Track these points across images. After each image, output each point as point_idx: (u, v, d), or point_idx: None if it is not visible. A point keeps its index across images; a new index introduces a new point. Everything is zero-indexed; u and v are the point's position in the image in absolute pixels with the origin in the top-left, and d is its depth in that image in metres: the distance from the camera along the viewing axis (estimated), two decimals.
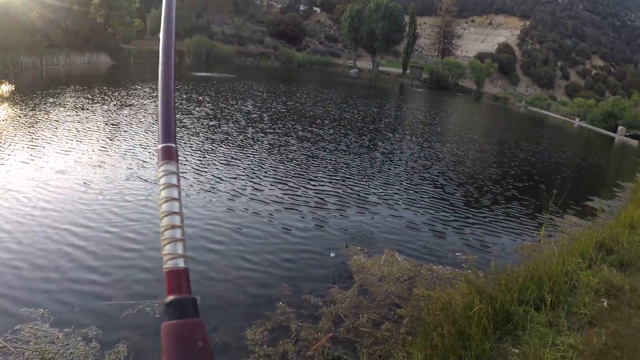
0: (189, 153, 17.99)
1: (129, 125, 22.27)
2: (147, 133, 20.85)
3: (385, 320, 8.11)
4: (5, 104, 25.09)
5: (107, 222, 11.29)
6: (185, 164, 16.31)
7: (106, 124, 21.53)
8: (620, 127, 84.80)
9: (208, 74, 50.32)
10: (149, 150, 17.85)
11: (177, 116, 23.28)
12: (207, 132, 22.46)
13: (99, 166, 15.27)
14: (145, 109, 26.72)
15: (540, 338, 6.61)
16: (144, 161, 16.38)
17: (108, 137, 19.42)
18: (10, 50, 43.22)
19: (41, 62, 47.37)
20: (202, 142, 20.16)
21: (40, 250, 9.79)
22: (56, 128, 19.83)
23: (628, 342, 6.77)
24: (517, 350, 6.45)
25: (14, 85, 31.55)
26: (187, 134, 21.30)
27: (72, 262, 9.33)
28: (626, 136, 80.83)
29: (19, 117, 21.64)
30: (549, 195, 15.22)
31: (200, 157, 17.68)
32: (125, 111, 25.38)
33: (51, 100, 26.90)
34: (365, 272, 9.84)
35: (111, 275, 9.00)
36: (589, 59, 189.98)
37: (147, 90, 33.91)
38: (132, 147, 18.16)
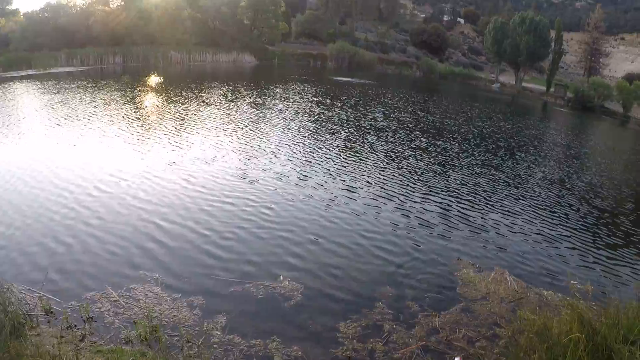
0: (308, 152, 18.47)
1: (262, 124, 23.14)
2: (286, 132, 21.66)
3: (481, 338, 7.92)
4: (155, 93, 26.85)
5: (238, 204, 12.29)
6: (302, 162, 16.89)
7: (242, 121, 22.46)
8: None
9: (348, 79, 50.81)
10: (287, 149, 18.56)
11: (302, 116, 23.87)
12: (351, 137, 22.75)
13: (237, 154, 16.33)
14: (285, 109, 27.63)
15: None
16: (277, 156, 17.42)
17: (246, 133, 20.32)
18: (162, 46, 45.90)
19: (189, 58, 49.92)
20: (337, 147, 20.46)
21: (170, 222, 10.85)
22: (194, 119, 21.00)
23: None
24: None
25: (163, 77, 33.55)
26: (311, 134, 21.83)
27: (195, 236, 10.21)
28: None
29: (165, 105, 23.10)
30: None
31: (326, 160, 17.96)
32: (264, 109, 26.26)
33: (196, 92, 28.45)
34: (471, 287, 9.64)
35: (228, 253, 9.67)
36: None
37: (290, 92, 34.84)
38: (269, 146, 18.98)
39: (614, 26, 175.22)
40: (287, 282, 8.78)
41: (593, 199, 18.78)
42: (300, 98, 31.83)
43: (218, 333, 7.04)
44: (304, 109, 28.06)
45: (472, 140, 26.60)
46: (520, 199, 16.71)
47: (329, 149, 19.14)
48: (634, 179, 25.79)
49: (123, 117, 19.77)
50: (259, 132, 20.33)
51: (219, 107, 25.05)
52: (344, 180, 15.35)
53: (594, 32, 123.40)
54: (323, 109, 29.13)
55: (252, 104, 26.97)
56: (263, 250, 9.97)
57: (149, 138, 17.14)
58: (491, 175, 19.36)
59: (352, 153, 19.12)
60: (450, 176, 18.04)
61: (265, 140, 19.11)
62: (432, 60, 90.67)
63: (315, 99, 32.90)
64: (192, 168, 14.62)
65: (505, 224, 13.88)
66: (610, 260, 12.67)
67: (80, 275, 8.31)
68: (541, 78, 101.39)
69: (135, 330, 6.77)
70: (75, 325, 6.79)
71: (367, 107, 32.40)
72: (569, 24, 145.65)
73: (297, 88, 36.60)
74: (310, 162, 17.00)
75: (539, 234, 13.66)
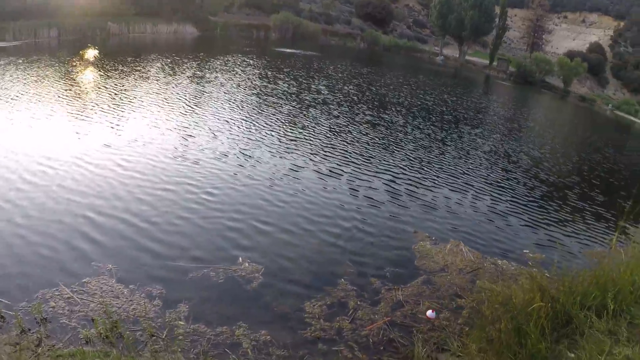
0: (249, 129, 18.16)
1: (204, 96, 22.91)
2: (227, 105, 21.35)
3: (444, 310, 8.18)
4: (91, 68, 26.03)
5: (184, 184, 11.92)
6: (244, 140, 16.57)
7: (181, 97, 21.95)
8: None
9: (292, 51, 50.19)
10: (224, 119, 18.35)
11: (243, 90, 23.58)
12: (295, 109, 22.64)
13: (175, 133, 16.04)
14: (226, 82, 27.22)
15: (597, 345, 6.46)
16: (217, 131, 17.15)
17: (185, 106, 20.10)
18: (99, 17, 44.34)
19: (128, 29, 48.33)
20: (277, 120, 20.34)
21: (120, 205, 10.42)
22: (131, 96, 20.47)
23: None
24: (572, 355, 6.35)
25: (100, 51, 32.50)
26: (252, 109, 21.41)
27: (142, 223, 9.80)
28: None
29: (101, 81, 22.45)
30: (626, 204, 14.68)
31: (267, 134, 17.88)
32: (204, 83, 25.81)
33: (133, 66, 27.71)
34: (429, 260, 9.90)
35: (179, 239, 9.41)
36: None
37: (232, 65, 34.28)
38: (207, 118, 18.82)
39: (557, 5, 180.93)
40: (246, 264, 8.71)
41: (539, 172, 19.39)
42: (242, 71, 31.19)
43: (182, 323, 6.92)
44: (246, 82, 27.46)
45: (417, 113, 26.88)
46: (467, 173, 17.13)
47: (272, 125, 18.89)
48: (576, 152, 26.66)
49: (55, 96, 18.60)
50: (198, 108, 19.67)
51: (157, 81, 24.05)
52: (290, 158, 15.22)
53: (537, 10, 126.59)
54: (265, 82, 28.70)
55: (192, 78, 26.17)
56: (216, 234, 9.81)
57: (82, 119, 15.88)
58: (438, 148, 19.72)
59: (295, 128, 18.98)
60: (397, 150, 18.25)
61: (205, 117, 18.59)
62: (376, 33, 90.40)
63: (257, 71, 32.29)
64: (128, 150, 13.77)
65: (455, 198, 14.24)
66: (558, 232, 13.19)
67: (26, 274, 7.73)
68: (484, 52, 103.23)
69: (94, 329, 6.53)
70: (29, 329, 6.41)
71: (311, 80, 32.22)
72: (513, 1, 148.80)
73: (239, 60, 35.83)
74: (253, 139, 16.66)
75: (489, 207, 14.13)
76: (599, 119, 57.76)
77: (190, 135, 15.90)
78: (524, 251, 11.14)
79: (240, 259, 8.88)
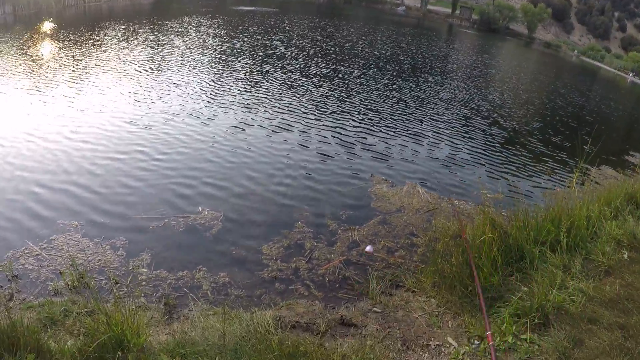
0: (202, 89, 17.86)
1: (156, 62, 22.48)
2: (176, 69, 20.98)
3: (399, 248, 8.33)
4: (46, 41, 25.21)
5: (137, 148, 11.74)
6: (196, 100, 16.28)
7: (134, 59, 21.58)
8: None
9: (251, 8, 49.26)
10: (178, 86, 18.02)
11: (197, 51, 23.13)
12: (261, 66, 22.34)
13: (131, 99, 15.63)
14: (180, 44, 26.86)
15: (550, 278, 6.56)
16: (166, 95, 17.27)
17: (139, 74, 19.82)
18: None
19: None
20: (245, 74, 20.08)
21: (76, 170, 10.26)
22: (84, 65, 19.84)
23: None
24: (525, 288, 6.43)
25: (56, 23, 31.41)
26: (205, 69, 21.18)
27: (102, 188, 9.64)
28: None
29: (55, 53, 21.75)
30: (585, 143, 14.88)
31: (232, 86, 17.70)
32: (157, 47, 25.22)
33: (87, 36, 26.92)
34: (386, 201, 10.04)
35: (140, 198, 9.37)
36: None
37: (186, 24, 33.64)
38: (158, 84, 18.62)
39: None
40: (206, 212, 8.77)
41: (499, 119, 19.56)
42: (196, 32, 30.58)
43: (145, 270, 7.01)
44: (200, 42, 27.06)
45: (374, 64, 26.85)
46: (425, 121, 17.25)
47: (224, 83, 18.67)
48: (538, 97, 26.83)
49: (8, 72, 18.08)
50: (150, 72, 19.21)
51: (111, 49, 23.17)
52: (243, 114, 15.09)
53: None
54: (220, 41, 28.30)
55: (146, 43, 25.38)
56: (175, 189, 9.74)
57: (36, 93, 15.54)
58: (395, 98, 19.79)
59: (248, 85, 18.78)
60: (353, 101, 18.26)
61: (156, 81, 18.16)
62: None
63: (212, 31, 31.84)
64: (81, 119, 13.24)
65: (413, 145, 14.38)
66: (519, 175, 13.41)
67: None
68: (447, 1, 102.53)
69: (62, 280, 6.61)
70: (1, 286, 6.50)
71: (267, 36, 31.81)
72: None
73: (195, 21, 35.18)
74: (205, 99, 16.41)
75: (448, 152, 14.31)
76: (565, 65, 58.20)
77: (142, 100, 15.48)
78: (482, 191, 11.27)
79: (200, 207, 8.93)
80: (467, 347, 5.65)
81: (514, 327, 5.76)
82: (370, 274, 7.26)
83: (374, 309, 6.53)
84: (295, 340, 5.23)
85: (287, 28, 37.21)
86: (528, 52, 61.51)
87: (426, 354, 5.67)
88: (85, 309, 5.80)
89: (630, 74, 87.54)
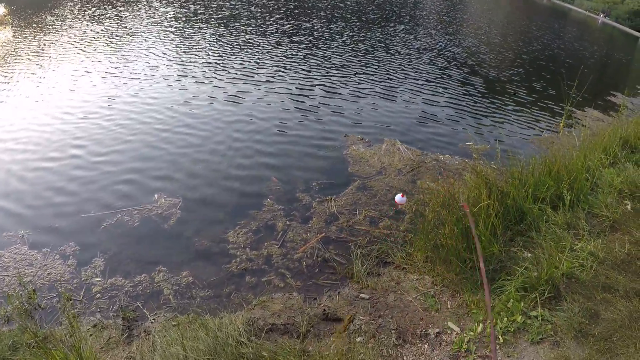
0: (165, 50, 16.96)
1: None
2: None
3: (384, 218, 7.55)
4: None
5: (78, 142, 10.36)
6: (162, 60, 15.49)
7: (77, 37, 19.95)
8: None
9: None
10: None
11: (145, 20, 21.79)
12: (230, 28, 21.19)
13: (70, 85, 14.03)
14: (129, 15, 25.11)
15: (556, 242, 5.86)
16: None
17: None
18: None
19: None
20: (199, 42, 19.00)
21: (14, 173, 9.02)
22: (33, 50, 18.33)
23: None
24: (529, 255, 5.77)
25: (8, 9, 29.44)
26: (153, 40, 19.42)
27: (49, 181, 8.66)
28: None
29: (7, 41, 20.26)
30: (569, 87, 14.20)
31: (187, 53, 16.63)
32: (103, 20, 23.58)
33: (39, 20, 25.16)
34: (364, 164, 9.28)
35: (89, 189, 8.38)
36: None
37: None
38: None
39: None
40: (162, 200, 7.87)
41: (476, 66, 18.99)
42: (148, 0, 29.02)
43: (98, 280, 6.20)
44: (149, 11, 25.29)
45: (341, 15, 26.05)
46: (399, 72, 16.50)
47: (174, 51, 17.31)
48: (514, 41, 26.26)
49: None
50: (93, 51, 17.30)
51: (52, 28, 21.40)
52: (197, 83, 13.93)
53: None
54: (173, 7, 26.43)
55: (93, 18, 23.22)
56: (125, 176, 8.75)
57: None
58: (364, 51, 18.98)
59: (205, 52, 17.44)
60: (320, 57, 17.34)
61: (100, 61, 16.16)
62: None
63: None
64: (27, 111, 11.57)
65: (388, 99, 13.65)
66: (503, 122, 12.85)
67: None
68: None
69: (10, 305, 5.77)
70: None
71: None
72: None
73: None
74: (154, 72, 15.01)
75: (426, 104, 13.62)
76: (536, 8, 57.86)
77: (81, 86, 13.97)
78: (467, 144, 10.59)
79: (155, 195, 8.00)
80: (472, 333, 4.98)
81: (522, 304, 5.12)
82: (353, 252, 6.51)
83: (361, 295, 5.84)
84: (272, 350, 4.58)
85: None
86: None
87: (425, 346, 5.01)
88: (37, 338, 4.99)
89: (601, 15, 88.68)
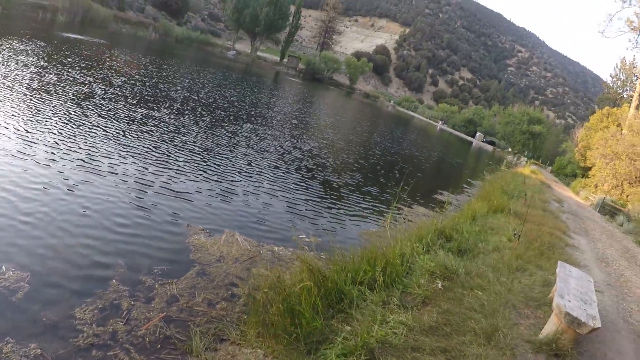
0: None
1: None
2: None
3: (221, 300, 8.33)
4: None
5: None
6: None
7: None
8: (478, 134, 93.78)
9: (78, 36, 46.22)
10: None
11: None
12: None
13: None
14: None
15: (371, 315, 6.91)
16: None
17: None
18: None
19: None
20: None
21: None
22: None
23: (458, 319, 7.31)
24: (348, 328, 6.69)
25: None
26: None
27: None
28: (483, 141, 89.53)
29: None
30: (400, 187, 15.82)
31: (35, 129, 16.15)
32: None
33: None
34: (204, 252, 10.01)
35: None
36: (458, 70, 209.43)
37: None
38: None
39: (350, 8, 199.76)
40: (10, 272, 7.97)
41: (315, 168, 20.38)
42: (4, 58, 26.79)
43: None
44: (3, 72, 23.14)
45: (193, 109, 26.44)
46: (239, 168, 17.40)
47: (14, 128, 16.13)
48: (355, 147, 28.15)
49: None
50: None
51: None
52: (40, 163, 13.56)
53: (331, 12, 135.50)
54: (29, 72, 24.54)
55: None
56: None
57: None
58: (210, 147, 19.60)
59: (48, 129, 16.60)
60: (165, 149, 17.61)
61: None
62: (170, 23, 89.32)
63: (24, 58, 28.14)
64: None
65: (228, 192, 14.43)
66: (336, 219, 14.05)
67: None
68: (276, 49, 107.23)
69: None
70: None
71: (82, 71, 28.75)
72: (309, 2, 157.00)
73: (8, 45, 31.43)
74: None
75: (264, 199, 14.61)
76: (382, 114, 61.70)
77: None
78: (301, 236, 11.59)
79: (3, 267, 8.09)
80: None
81: None
82: (192, 330, 7.18)
83: None
84: None
85: (107, 63, 34.82)
86: (349, 101, 64.91)
87: None
88: None
89: (440, 122, 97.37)
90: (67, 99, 20.22)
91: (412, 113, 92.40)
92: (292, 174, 18.72)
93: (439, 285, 8.59)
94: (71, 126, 16.74)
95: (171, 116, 22.75)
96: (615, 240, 21.39)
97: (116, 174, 13.47)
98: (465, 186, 27.24)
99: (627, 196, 37.00)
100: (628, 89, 69.01)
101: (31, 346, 6.44)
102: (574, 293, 7.88)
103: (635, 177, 37.31)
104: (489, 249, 11.89)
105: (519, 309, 8.68)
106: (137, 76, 32.37)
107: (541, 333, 7.57)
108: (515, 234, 13.11)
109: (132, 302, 7.76)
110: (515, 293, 9.25)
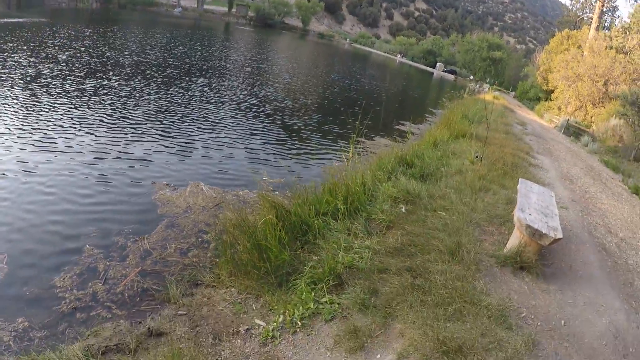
0: None
1: None
2: None
3: (192, 248, 8.68)
4: None
5: None
6: None
7: None
8: (439, 64, 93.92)
9: (18, 20, 44.80)
10: None
11: None
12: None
13: None
14: None
15: (337, 243, 7.25)
16: None
17: None
18: None
19: None
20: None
21: None
22: None
23: (422, 239, 7.67)
24: (316, 257, 7.04)
25: None
26: None
27: None
28: (444, 71, 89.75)
29: None
30: (359, 121, 16.13)
31: None
32: None
33: None
34: (171, 205, 10.29)
35: None
36: (413, 1, 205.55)
37: None
38: None
39: None
40: None
41: (275, 112, 20.69)
42: None
43: None
44: None
45: (143, 72, 26.11)
46: (201, 123, 17.56)
47: None
48: (314, 87, 28.26)
49: None
50: None
51: None
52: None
53: None
54: None
55: None
56: None
57: None
58: (165, 105, 19.61)
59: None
60: (119, 115, 17.48)
61: None
62: None
63: None
64: None
65: (190, 146, 14.68)
66: (300, 158, 14.35)
67: None
68: (224, 0, 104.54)
69: None
70: None
71: (23, 53, 27.30)
72: None
73: None
74: None
75: (225, 147, 14.94)
76: (339, 53, 61.43)
77: None
78: (264, 178, 11.92)
79: None
80: (275, 323, 6.13)
81: (313, 294, 6.36)
82: (167, 279, 7.53)
83: (179, 312, 6.81)
84: None
85: (49, 41, 33.19)
86: (304, 43, 64.33)
87: (239, 340, 6.09)
88: None
89: (399, 55, 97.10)
90: (14, 84, 19.69)
91: (369, 49, 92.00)
92: (250, 121, 18.93)
93: (403, 210, 8.91)
94: (22, 110, 16.43)
95: (121, 82, 22.46)
96: (580, 159, 22.06)
97: (73, 148, 13.41)
98: (427, 115, 27.60)
99: (591, 117, 38.12)
100: (588, 11, 69.20)
101: (19, 320, 6.69)
102: (535, 207, 8.18)
103: (599, 98, 38.33)
104: (451, 172, 12.19)
105: (483, 226, 9.03)
106: (82, 48, 31.61)
107: (505, 248, 7.90)
108: (477, 156, 13.54)
109: (108, 263, 8.04)
110: (479, 212, 9.57)
